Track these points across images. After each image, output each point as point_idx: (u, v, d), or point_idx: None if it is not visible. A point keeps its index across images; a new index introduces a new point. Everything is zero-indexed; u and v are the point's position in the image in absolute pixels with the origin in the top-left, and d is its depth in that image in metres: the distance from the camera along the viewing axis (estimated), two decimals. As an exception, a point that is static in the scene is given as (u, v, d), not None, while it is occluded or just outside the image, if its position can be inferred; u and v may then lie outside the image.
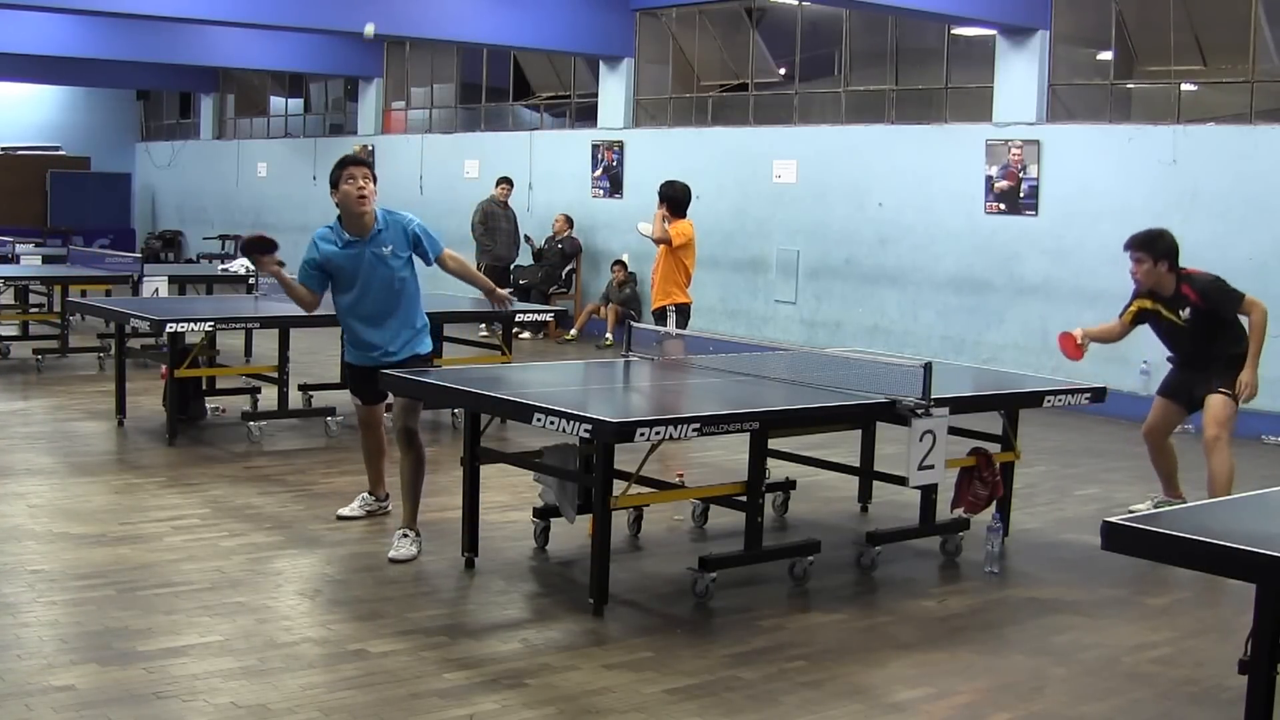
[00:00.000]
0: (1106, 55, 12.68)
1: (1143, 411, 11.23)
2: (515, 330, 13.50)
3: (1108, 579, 6.50)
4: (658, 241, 10.14)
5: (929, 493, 6.81)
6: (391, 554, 6.39)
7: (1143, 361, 11.64)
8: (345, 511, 7.19)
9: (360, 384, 6.90)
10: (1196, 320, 7.37)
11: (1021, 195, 12.47)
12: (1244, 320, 7.38)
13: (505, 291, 7.30)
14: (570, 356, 14.49)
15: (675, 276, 10.21)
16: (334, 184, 6.56)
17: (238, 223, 23.64)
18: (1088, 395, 7.22)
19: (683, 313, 10.22)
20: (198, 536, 6.72)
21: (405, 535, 6.47)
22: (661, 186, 10.29)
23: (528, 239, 16.61)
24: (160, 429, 9.25)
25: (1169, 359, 7.78)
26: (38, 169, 24.94)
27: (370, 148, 20.64)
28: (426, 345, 6.84)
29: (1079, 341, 7.63)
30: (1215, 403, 7.36)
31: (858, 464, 7.50)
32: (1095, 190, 12.00)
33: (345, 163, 6.61)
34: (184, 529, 6.84)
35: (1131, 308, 7.69)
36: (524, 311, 11.38)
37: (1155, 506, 7.74)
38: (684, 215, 10.19)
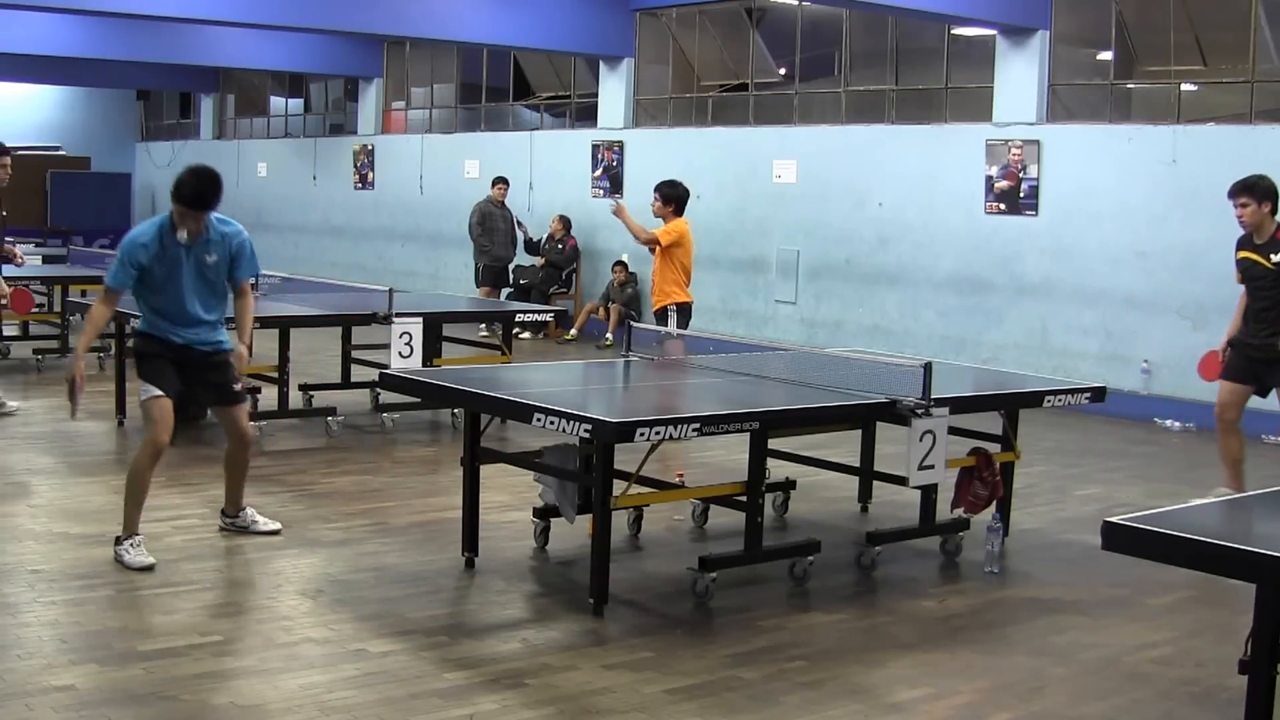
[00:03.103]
0: (1106, 55, 12.68)
1: (1143, 411, 11.31)
2: (515, 330, 13.51)
3: (1108, 579, 6.50)
4: (645, 243, 10.05)
5: (929, 493, 6.81)
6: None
7: (1143, 361, 11.66)
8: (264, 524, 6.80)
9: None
10: None
11: (1021, 195, 12.47)
12: None
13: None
14: (570, 356, 14.49)
15: (674, 276, 10.17)
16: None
17: (238, 222, 23.62)
18: (1088, 395, 7.22)
19: (683, 312, 10.17)
20: (198, 536, 6.72)
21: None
22: (663, 185, 10.14)
23: (520, 224, 16.41)
24: (160, 429, 9.22)
25: (1231, 340, 7.82)
26: (38, 169, 24.93)
27: (369, 147, 20.65)
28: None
29: (1221, 357, 7.92)
30: None
31: (858, 464, 7.50)
32: (1095, 190, 12.01)
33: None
34: (184, 529, 6.84)
35: (1237, 273, 7.80)
36: (524, 311, 11.39)
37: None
38: (681, 214, 10.11)
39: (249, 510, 6.84)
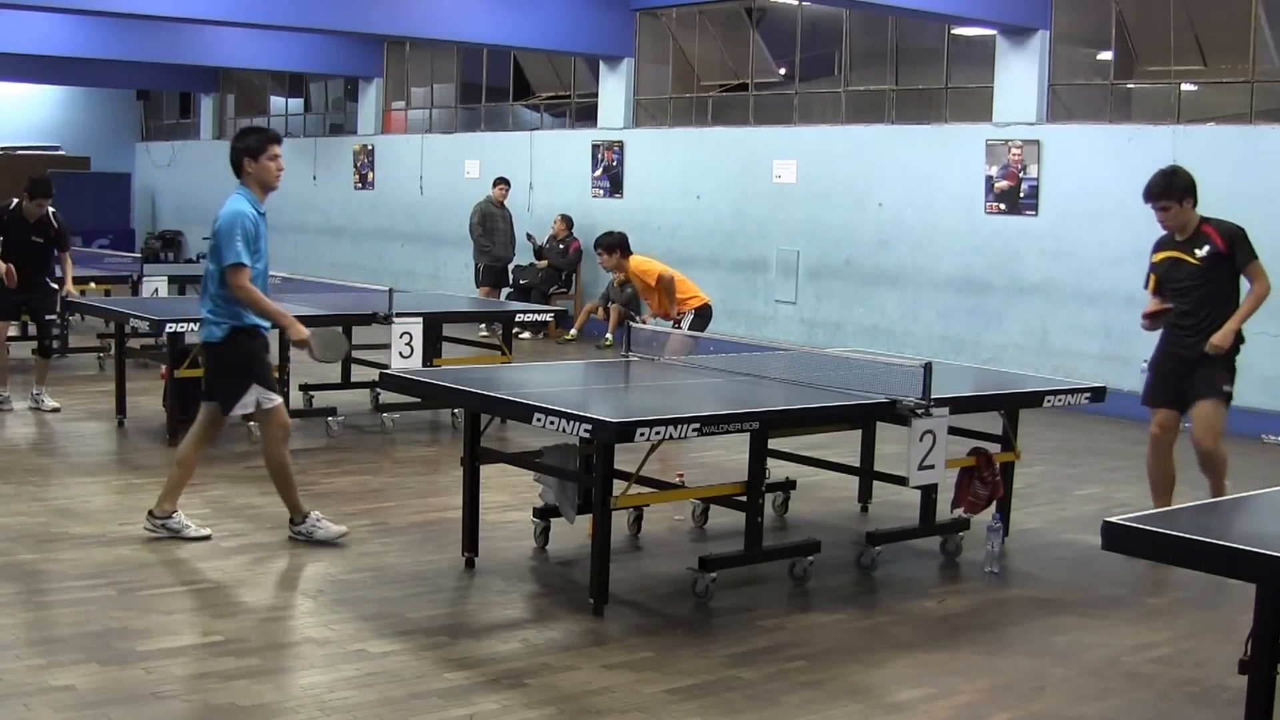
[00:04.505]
0: (1106, 55, 12.68)
1: (1143, 411, 11.26)
2: (515, 330, 13.51)
3: (1108, 579, 6.50)
4: (667, 303, 10.19)
5: (929, 493, 6.81)
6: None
7: (1143, 361, 11.63)
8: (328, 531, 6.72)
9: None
10: (1210, 263, 7.01)
11: (1021, 195, 12.47)
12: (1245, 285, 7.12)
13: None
14: (570, 356, 14.49)
15: (683, 288, 10.33)
16: (254, 153, 6.62)
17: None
18: (1087, 395, 7.22)
19: (702, 315, 10.27)
20: (198, 536, 6.72)
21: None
22: (600, 241, 10.42)
23: (529, 237, 16.62)
24: (160, 429, 9.25)
25: (1155, 351, 7.32)
26: (38, 169, 24.88)
27: (370, 147, 20.65)
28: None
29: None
30: (1209, 411, 7.06)
31: (858, 464, 7.50)
32: (1095, 190, 12.00)
33: (274, 138, 6.74)
34: (184, 529, 6.84)
35: (1150, 277, 7.30)
36: (524, 311, 11.40)
37: None
38: (629, 252, 10.32)
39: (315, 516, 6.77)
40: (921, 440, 6.06)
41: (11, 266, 9.76)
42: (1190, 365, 7.08)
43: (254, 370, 6.46)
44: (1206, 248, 7.04)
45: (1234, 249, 7.04)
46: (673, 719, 4.63)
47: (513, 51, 18.19)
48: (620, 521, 6.88)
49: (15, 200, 9.87)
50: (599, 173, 16.79)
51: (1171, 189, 7.05)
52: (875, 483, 7.56)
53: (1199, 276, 7.02)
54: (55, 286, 10.25)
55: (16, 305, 10.06)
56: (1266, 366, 10.91)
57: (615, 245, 10.26)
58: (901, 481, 6.45)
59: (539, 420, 5.49)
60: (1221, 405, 7.11)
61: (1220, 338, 6.96)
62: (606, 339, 15.31)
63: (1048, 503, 8.20)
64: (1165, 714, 4.93)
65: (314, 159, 21.86)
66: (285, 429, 6.63)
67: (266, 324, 6.54)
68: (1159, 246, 7.27)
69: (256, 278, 6.42)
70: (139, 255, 16.12)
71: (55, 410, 9.95)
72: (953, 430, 6.43)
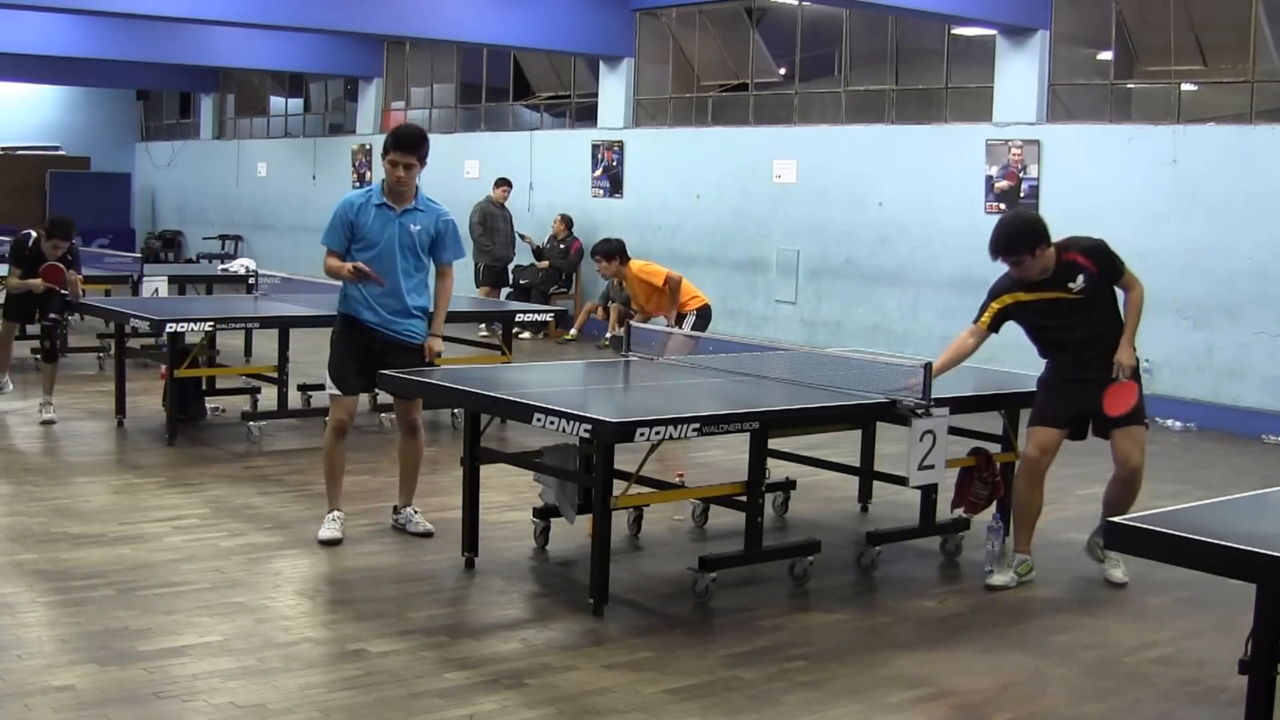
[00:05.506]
0: (1106, 55, 12.68)
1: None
2: (515, 330, 13.51)
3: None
4: (669, 304, 10.25)
5: (929, 493, 6.81)
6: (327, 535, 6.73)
7: (1145, 360, 11.64)
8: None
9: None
10: (1090, 289, 6.41)
11: (1021, 195, 12.46)
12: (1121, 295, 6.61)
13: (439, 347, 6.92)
14: (570, 356, 14.49)
15: (684, 289, 10.36)
16: (383, 153, 6.57)
17: (238, 223, 23.65)
18: (1087, 395, 7.19)
19: (703, 316, 10.31)
20: (198, 536, 6.73)
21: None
22: (598, 247, 10.52)
23: (523, 237, 16.59)
24: (160, 429, 9.25)
25: (1047, 374, 6.62)
26: (38, 169, 24.92)
27: (368, 147, 20.64)
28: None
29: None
30: (1140, 432, 6.43)
31: (858, 464, 7.50)
32: (1095, 190, 11.99)
33: (397, 144, 6.53)
34: (184, 529, 6.84)
35: (991, 307, 6.55)
36: (524, 311, 11.40)
37: (1018, 574, 6.45)
38: (628, 257, 10.39)
39: (408, 510, 6.97)
40: (921, 440, 6.06)
41: (58, 265, 9.69)
42: (1094, 393, 6.39)
43: (331, 354, 6.71)
44: (1080, 277, 6.42)
45: (1105, 266, 6.49)
46: (673, 719, 4.63)
47: (513, 51, 18.19)
48: (620, 521, 6.88)
49: (34, 235, 9.81)
50: (599, 173, 16.79)
51: (1023, 243, 6.46)
52: (875, 483, 7.56)
53: (1083, 309, 6.40)
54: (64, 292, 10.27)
55: (33, 311, 10.08)
56: (1266, 366, 10.91)
57: (613, 253, 10.33)
58: (901, 481, 6.45)
59: (539, 420, 5.49)
60: (1145, 428, 6.54)
61: (1125, 355, 6.40)
62: (606, 339, 15.31)
63: (1048, 503, 8.10)
64: (1165, 714, 4.93)
65: (314, 159, 21.86)
66: (336, 427, 6.74)
67: (371, 319, 6.58)
68: (1014, 289, 6.54)
69: (368, 264, 6.51)
70: (139, 255, 16.11)
71: (51, 423, 9.81)
72: (953, 430, 6.43)
